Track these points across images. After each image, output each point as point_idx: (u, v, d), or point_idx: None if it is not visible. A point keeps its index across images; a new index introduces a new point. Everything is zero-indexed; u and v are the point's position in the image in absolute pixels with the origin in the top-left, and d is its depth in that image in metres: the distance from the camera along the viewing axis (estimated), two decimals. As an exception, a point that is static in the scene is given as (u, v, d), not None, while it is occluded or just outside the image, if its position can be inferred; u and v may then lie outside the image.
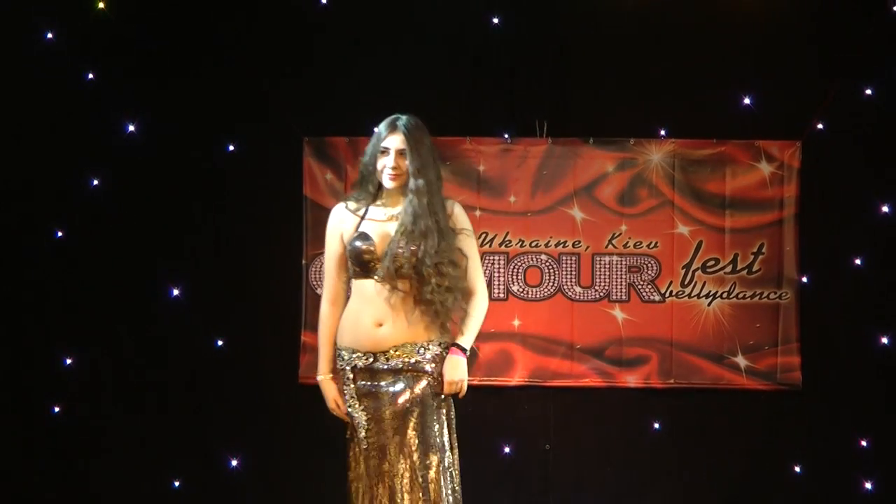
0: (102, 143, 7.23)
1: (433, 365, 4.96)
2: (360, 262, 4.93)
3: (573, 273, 7.24)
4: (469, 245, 5.06)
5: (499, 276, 7.27)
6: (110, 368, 7.29)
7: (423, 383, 4.95)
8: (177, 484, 7.35)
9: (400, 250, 4.86)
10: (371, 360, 4.94)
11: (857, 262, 7.17)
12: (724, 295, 7.18)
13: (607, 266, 7.23)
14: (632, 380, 7.20)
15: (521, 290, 7.31)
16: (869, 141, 7.11)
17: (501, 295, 7.28)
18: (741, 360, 7.15)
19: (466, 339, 5.00)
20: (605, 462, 7.25)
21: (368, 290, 4.91)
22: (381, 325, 4.89)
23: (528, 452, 7.28)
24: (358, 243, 4.94)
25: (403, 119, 4.96)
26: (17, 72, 7.18)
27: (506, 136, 7.26)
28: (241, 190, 7.25)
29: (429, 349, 4.94)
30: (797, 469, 7.21)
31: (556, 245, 7.24)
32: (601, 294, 7.25)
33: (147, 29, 7.20)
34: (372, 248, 4.90)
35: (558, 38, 7.22)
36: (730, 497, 7.17)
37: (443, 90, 7.22)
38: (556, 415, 7.25)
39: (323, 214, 6.81)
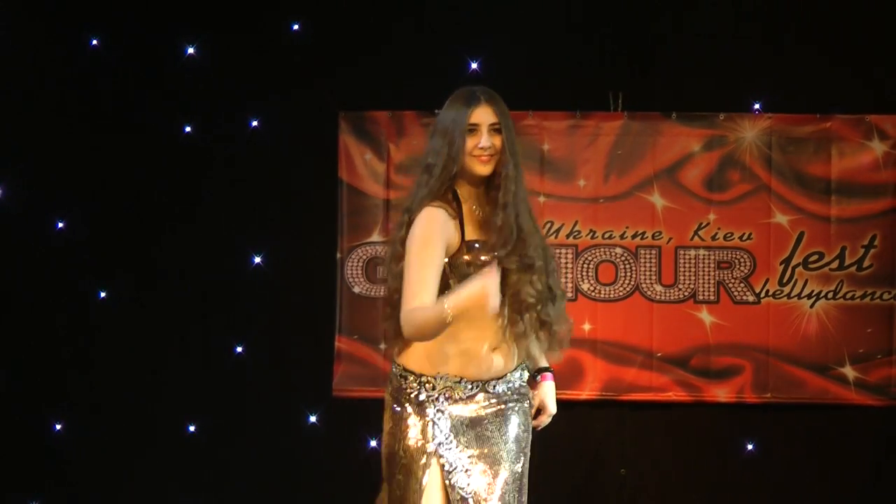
0: (118, 120, 7.01)
1: (528, 390, 4.45)
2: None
3: (653, 269, 6.93)
4: None
5: (566, 273, 6.98)
6: (113, 381, 6.98)
7: (524, 412, 4.40)
8: (191, 512, 7.07)
9: (520, 263, 4.24)
10: (476, 389, 4.31)
11: None
12: (830, 295, 6.88)
13: (693, 261, 6.92)
14: (722, 394, 6.90)
15: (592, 288, 6.98)
16: None
17: (569, 294, 6.95)
18: (849, 372, 6.85)
19: (548, 363, 4.54)
20: (690, 489, 6.96)
21: (479, 315, 4.17)
22: (495, 349, 4.28)
23: (600, 477, 7.01)
24: (472, 255, 4.23)
25: (482, 89, 4.33)
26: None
27: (575, 110, 6.94)
28: (265, 172, 6.96)
29: (524, 370, 4.42)
30: (915, 497, 6.94)
31: (633, 237, 6.92)
32: (686, 294, 6.93)
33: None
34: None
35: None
36: (835, 529, 6.96)
37: (501, 56, 6.92)
38: (634, 434, 6.96)
39: (362, 200, 6.82)
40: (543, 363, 4.44)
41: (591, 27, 6.91)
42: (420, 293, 4.11)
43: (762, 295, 6.85)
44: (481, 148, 4.16)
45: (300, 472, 6.91)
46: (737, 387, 6.85)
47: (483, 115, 4.19)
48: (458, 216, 4.22)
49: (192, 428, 6.89)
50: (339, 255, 6.90)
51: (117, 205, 6.93)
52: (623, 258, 6.91)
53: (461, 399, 4.24)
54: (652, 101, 6.88)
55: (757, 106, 6.87)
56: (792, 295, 6.84)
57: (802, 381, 6.83)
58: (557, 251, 6.93)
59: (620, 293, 6.92)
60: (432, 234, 4.18)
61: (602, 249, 6.94)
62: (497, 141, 4.18)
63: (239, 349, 6.94)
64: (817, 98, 6.83)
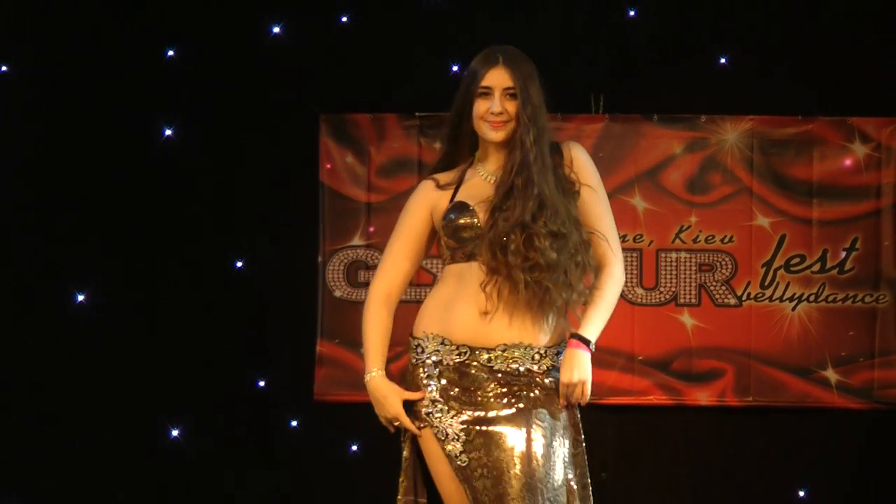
0: (97, 122, 6.90)
1: (550, 379, 4.05)
2: (459, 241, 4.08)
3: (634, 272, 6.85)
4: (594, 203, 4.15)
5: (547, 277, 6.69)
6: (91, 385, 6.88)
7: (537, 393, 4.04)
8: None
9: (503, 221, 4.01)
10: (466, 356, 4.04)
11: (968, 258, 6.85)
12: (812, 298, 6.82)
13: (674, 264, 6.86)
14: (703, 397, 6.83)
15: (572, 292, 6.71)
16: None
17: (550, 298, 6.65)
18: (832, 375, 6.78)
19: (589, 328, 4.07)
20: (671, 493, 6.88)
21: (467, 274, 4.06)
22: (486, 313, 4.02)
23: (581, 482, 6.64)
24: (453, 215, 4.08)
25: (505, 49, 4.11)
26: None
27: (556, 112, 6.64)
28: (245, 175, 6.87)
29: (546, 358, 4.04)
30: (898, 501, 6.87)
31: None
32: (667, 297, 6.87)
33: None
34: (474, 222, 4.05)
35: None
36: (818, 532, 6.88)
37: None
38: (615, 438, 6.87)
39: (343, 204, 6.78)
40: (578, 331, 4.06)
41: (572, 29, 6.82)
42: (376, 275, 4.17)
43: (744, 298, 6.79)
44: (492, 113, 4.00)
45: (281, 478, 6.83)
46: (718, 390, 6.79)
47: (497, 79, 4.01)
48: (457, 182, 4.11)
49: (174, 432, 6.80)
50: (320, 259, 6.82)
51: (96, 208, 6.83)
52: (604, 261, 6.84)
53: (451, 367, 4.03)
54: (633, 103, 6.81)
55: (739, 108, 6.77)
56: (773, 298, 6.79)
57: (784, 384, 6.77)
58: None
59: (601, 296, 6.83)
60: (406, 209, 4.17)
61: (583, 252, 6.87)
62: (511, 106, 3.99)
63: (221, 353, 6.83)
64: (799, 100, 6.75)
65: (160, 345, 6.83)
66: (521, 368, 3.99)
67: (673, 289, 6.83)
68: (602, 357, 6.50)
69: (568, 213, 3.99)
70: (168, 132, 6.81)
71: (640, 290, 6.83)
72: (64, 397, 6.86)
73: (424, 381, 4.02)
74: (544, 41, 6.74)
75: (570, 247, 3.97)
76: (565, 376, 3.96)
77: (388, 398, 4.02)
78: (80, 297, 6.85)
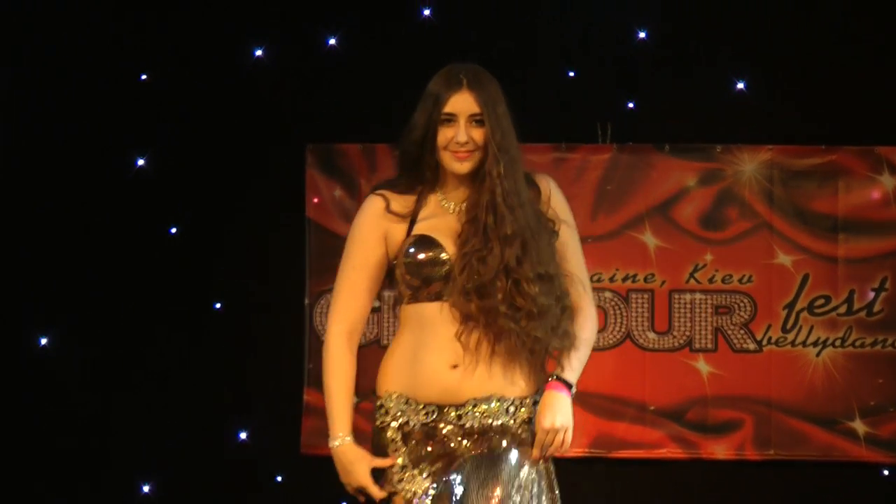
0: (68, 150, 6.85)
1: (526, 433, 3.87)
2: (423, 279, 3.90)
3: (645, 315, 6.83)
4: (572, 244, 4.00)
5: (551, 320, 6.74)
6: (55, 437, 6.78)
7: (514, 451, 3.87)
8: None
9: (479, 263, 3.84)
10: (434, 415, 3.87)
11: None
12: (838, 342, 6.78)
13: (688, 306, 6.83)
14: (720, 450, 6.78)
15: (579, 336, 6.74)
16: None
17: (555, 342, 6.69)
18: (859, 426, 6.73)
19: (569, 371, 3.92)
20: None
21: (433, 318, 3.88)
22: (456, 366, 3.86)
23: (589, 543, 6.80)
24: (413, 249, 3.89)
25: (469, 70, 3.91)
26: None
27: (560, 142, 6.85)
28: (226, 210, 6.84)
29: (522, 408, 3.85)
30: (930, 564, 6.81)
31: (624, 279, 6.83)
32: (681, 342, 6.83)
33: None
34: (442, 258, 3.87)
35: (625, 21, 6.82)
36: None
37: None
38: (625, 494, 6.82)
39: (331, 241, 6.60)
40: (557, 373, 3.90)
41: (578, 53, 6.81)
42: (334, 311, 3.95)
43: (764, 343, 6.77)
44: (457, 143, 3.78)
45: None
46: (736, 442, 6.76)
47: (462, 104, 3.79)
48: (413, 210, 3.89)
49: (145, 488, 6.69)
50: (307, 301, 6.74)
51: (67, 244, 6.77)
52: (613, 303, 6.84)
53: (416, 427, 3.84)
54: (643, 132, 6.78)
55: (757, 136, 6.74)
56: (796, 342, 6.76)
57: (808, 436, 6.73)
58: (542, 295, 6.80)
59: (610, 341, 6.83)
60: (356, 235, 3.97)
61: (590, 293, 6.82)
62: (477, 134, 3.78)
63: (199, 402, 6.73)
64: (822, 128, 6.73)
65: (133, 393, 6.77)
66: (496, 423, 3.81)
67: (687, 333, 6.81)
68: (611, 406, 6.76)
69: (552, 254, 3.83)
70: (141, 162, 6.78)
71: (651, 335, 6.82)
72: (30, 449, 6.76)
73: (392, 446, 3.84)
74: (548, 66, 6.79)
75: (556, 290, 3.81)
76: (546, 421, 3.76)
77: (355, 465, 3.82)
78: (44, 341, 6.82)
